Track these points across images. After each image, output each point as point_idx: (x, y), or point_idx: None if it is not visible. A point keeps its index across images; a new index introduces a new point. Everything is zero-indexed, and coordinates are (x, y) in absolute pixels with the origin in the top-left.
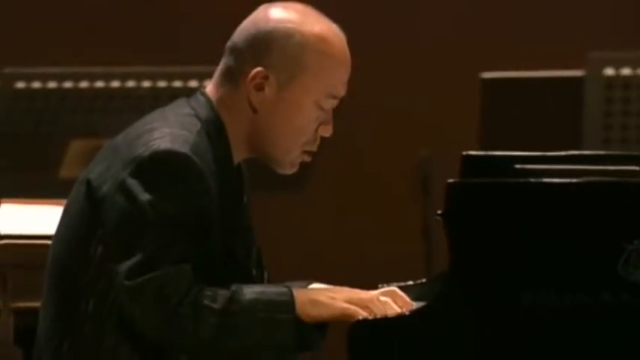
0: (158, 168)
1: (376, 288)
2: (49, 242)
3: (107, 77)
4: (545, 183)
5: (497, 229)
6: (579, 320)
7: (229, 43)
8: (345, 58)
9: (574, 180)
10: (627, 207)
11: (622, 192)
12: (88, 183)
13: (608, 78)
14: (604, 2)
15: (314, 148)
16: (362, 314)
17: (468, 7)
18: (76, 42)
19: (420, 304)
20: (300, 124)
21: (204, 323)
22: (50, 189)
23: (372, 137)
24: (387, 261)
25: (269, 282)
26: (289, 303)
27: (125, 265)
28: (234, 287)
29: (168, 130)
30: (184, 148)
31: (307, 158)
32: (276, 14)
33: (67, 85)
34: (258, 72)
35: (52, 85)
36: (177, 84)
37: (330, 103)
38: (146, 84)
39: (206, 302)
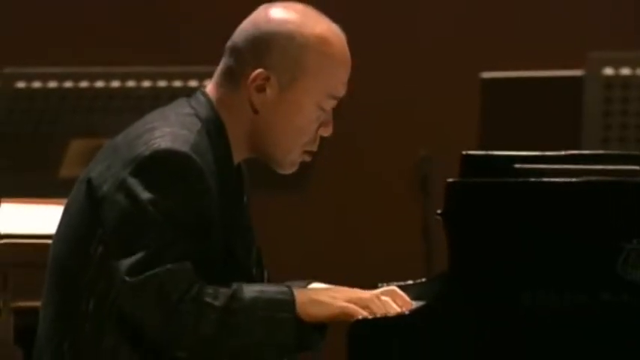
0: (159, 167)
1: (376, 288)
2: (49, 242)
3: (107, 77)
4: (545, 183)
5: (497, 229)
6: (579, 320)
7: (229, 44)
8: (346, 58)
9: (573, 179)
10: (626, 207)
11: (621, 191)
12: (89, 182)
13: (608, 78)
14: (604, 2)
15: (314, 148)
16: (362, 313)
17: (468, 7)
18: (76, 42)
19: (420, 303)
20: (301, 125)
21: (204, 320)
22: (50, 189)
23: (372, 137)
24: (387, 261)
25: (269, 282)
26: (290, 302)
27: (126, 263)
28: (235, 286)
29: (168, 130)
30: (185, 148)
31: (307, 158)
32: (277, 15)
33: (67, 85)
34: (259, 73)
35: (52, 85)
36: (177, 84)
37: (331, 104)
38: (146, 84)
39: (207, 299)
